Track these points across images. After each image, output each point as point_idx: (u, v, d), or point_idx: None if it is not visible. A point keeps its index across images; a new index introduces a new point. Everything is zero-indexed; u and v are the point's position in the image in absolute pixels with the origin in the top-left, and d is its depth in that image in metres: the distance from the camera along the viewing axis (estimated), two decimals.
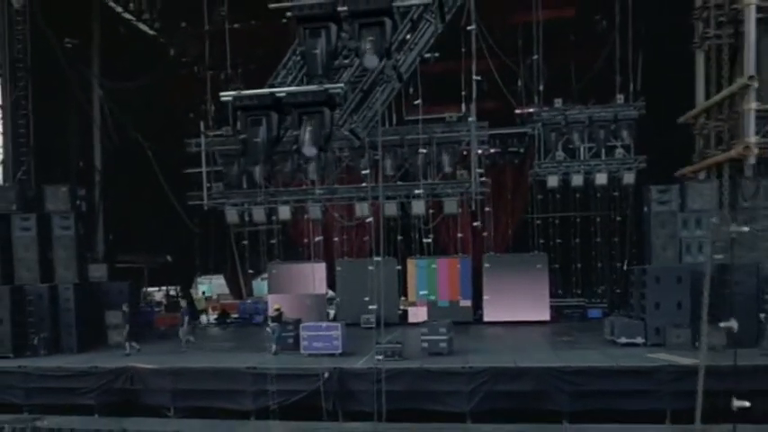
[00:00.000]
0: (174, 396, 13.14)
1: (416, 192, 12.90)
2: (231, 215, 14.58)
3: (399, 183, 13.39)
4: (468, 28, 11.64)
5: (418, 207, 13.58)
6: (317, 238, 14.37)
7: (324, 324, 14.20)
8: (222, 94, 9.04)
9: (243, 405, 12.81)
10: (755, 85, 6.57)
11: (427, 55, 10.71)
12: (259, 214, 14.31)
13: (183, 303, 15.68)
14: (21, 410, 13.69)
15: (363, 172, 12.44)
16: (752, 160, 6.79)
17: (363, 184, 13.14)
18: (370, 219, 12.55)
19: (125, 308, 15.11)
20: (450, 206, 13.63)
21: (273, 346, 13.92)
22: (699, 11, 7.22)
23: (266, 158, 9.06)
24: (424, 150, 12.67)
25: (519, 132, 15.58)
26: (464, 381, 12.10)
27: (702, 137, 7.71)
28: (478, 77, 12.27)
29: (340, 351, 13.76)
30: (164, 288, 23.43)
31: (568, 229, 17.57)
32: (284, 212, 14.26)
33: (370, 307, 14.17)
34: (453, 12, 10.83)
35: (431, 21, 9.90)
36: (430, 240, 14.97)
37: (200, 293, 24.13)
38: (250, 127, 8.64)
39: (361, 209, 13.54)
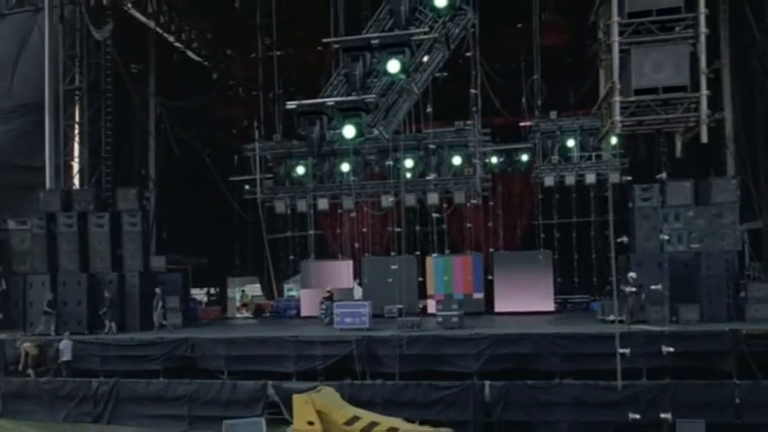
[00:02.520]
0: (227, 361, 16.16)
1: (429, 177, 15.97)
2: (279, 206, 17.87)
3: (417, 179, 16.63)
4: (467, 54, 14.95)
5: (432, 198, 16.74)
6: (351, 214, 17.33)
7: (354, 303, 17.32)
8: (288, 102, 12.48)
9: (286, 368, 15.78)
10: (618, 86, 10.00)
11: (437, 74, 14.10)
12: (302, 205, 17.61)
13: (158, 291, 18.45)
14: (97, 375, 16.78)
15: (388, 163, 15.60)
16: (617, 131, 10.18)
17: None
18: (392, 199, 15.68)
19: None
20: (459, 197, 16.73)
21: (326, 319, 17.25)
22: (597, 44, 10.66)
23: (319, 149, 12.40)
24: (433, 146, 15.89)
25: (522, 140, 18.68)
26: (471, 345, 14.80)
27: (601, 119, 11.51)
28: (475, 91, 15.47)
29: (367, 326, 16.76)
30: (203, 289, 26.71)
31: (569, 227, 20.47)
32: (323, 204, 17.54)
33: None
34: (457, 42, 14.21)
35: (440, 49, 13.30)
36: (444, 226, 18.17)
37: (237, 295, 27.36)
38: (308, 126, 12.06)
39: (386, 200, 16.75)
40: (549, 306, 20.56)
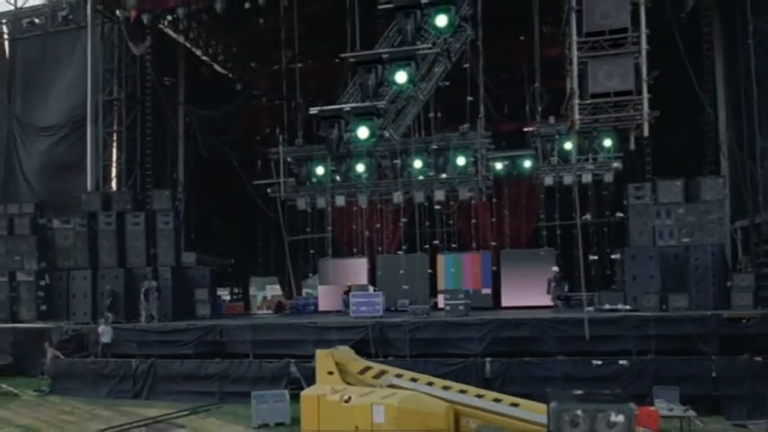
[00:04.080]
0: (253, 345, 18.08)
1: (432, 173, 18.00)
2: (301, 204, 20.01)
3: (425, 178, 18.70)
4: (465, 66, 16.99)
5: (439, 195, 18.76)
6: (363, 205, 19.20)
7: (369, 293, 19.28)
8: (311, 108, 14.65)
9: (306, 351, 17.61)
10: (577, 91, 12.00)
11: (441, 83, 16.18)
12: (321, 202, 19.74)
13: (150, 284, 19.83)
14: (135, 358, 18.91)
15: (396, 161, 17.68)
16: (576, 127, 12.18)
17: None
18: (399, 193, 17.70)
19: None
20: (463, 193, 18.72)
21: (345, 311, 19.28)
22: (563, 57, 12.71)
23: (337, 148, 14.53)
24: (435, 147, 17.98)
25: (527, 144, 20.58)
26: (476, 330, 16.55)
27: (567, 117, 13.69)
28: (471, 98, 17.54)
29: (381, 314, 18.62)
30: (227, 288, 28.85)
31: (571, 226, 22.16)
32: (340, 201, 19.63)
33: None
34: (458, 55, 16.33)
35: (442, 61, 15.40)
36: (451, 222, 20.23)
37: (258, 294, 29.56)
38: (328, 129, 14.18)
39: (397, 197, 18.84)
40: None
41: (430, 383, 9.69)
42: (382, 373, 10.10)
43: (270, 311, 27.37)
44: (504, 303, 22.60)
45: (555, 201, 21.96)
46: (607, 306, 18.06)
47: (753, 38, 17.49)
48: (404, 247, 18.99)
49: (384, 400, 9.21)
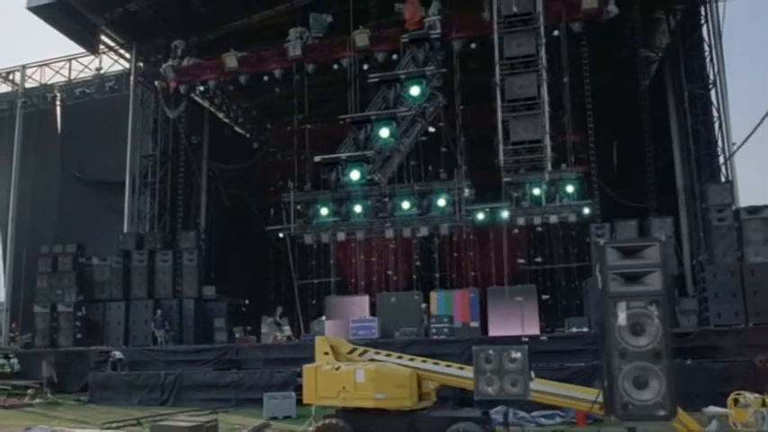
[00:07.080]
0: (265, 362, 21.49)
1: (424, 216, 22.06)
2: (308, 239, 23.86)
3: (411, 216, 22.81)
4: (439, 124, 21.42)
5: (423, 231, 22.64)
6: (358, 236, 23.06)
7: (365, 318, 22.79)
8: (316, 157, 18.92)
9: None
10: (502, 140, 16.17)
11: (420, 138, 20.55)
12: (325, 237, 23.62)
13: (158, 313, 23.53)
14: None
15: (385, 199, 21.77)
16: (502, 165, 16.12)
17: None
18: (388, 225, 21.61)
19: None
20: (444, 229, 22.59)
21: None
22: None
23: (335, 187, 18.70)
24: (418, 188, 22.12)
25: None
26: (457, 346, 19.91)
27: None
28: (445, 149, 21.79)
29: (377, 336, 22.04)
30: (239, 326, 32.26)
31: (546, 265, 25.81)
32: (341, 236, 23.48)
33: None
34: (433, 117, 20.84)
35: (419, 121, 19.89)
36: (435, 255, 24.08)
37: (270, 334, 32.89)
38: (328, 172, 18.41)
39: (388, 233, 22.78)
40: (536, 331, 25.36)
41: (399, 357, 13.20)
42: (365, 351, 13.58)
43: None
44: (491, 334, 25.77)
45: (532, 244, 25.67)
46: (574, 329, 21.40)
47: (688, 102, 21.60)
48: (393, 275, 22.81)
49: (364, 367, 12.65)
